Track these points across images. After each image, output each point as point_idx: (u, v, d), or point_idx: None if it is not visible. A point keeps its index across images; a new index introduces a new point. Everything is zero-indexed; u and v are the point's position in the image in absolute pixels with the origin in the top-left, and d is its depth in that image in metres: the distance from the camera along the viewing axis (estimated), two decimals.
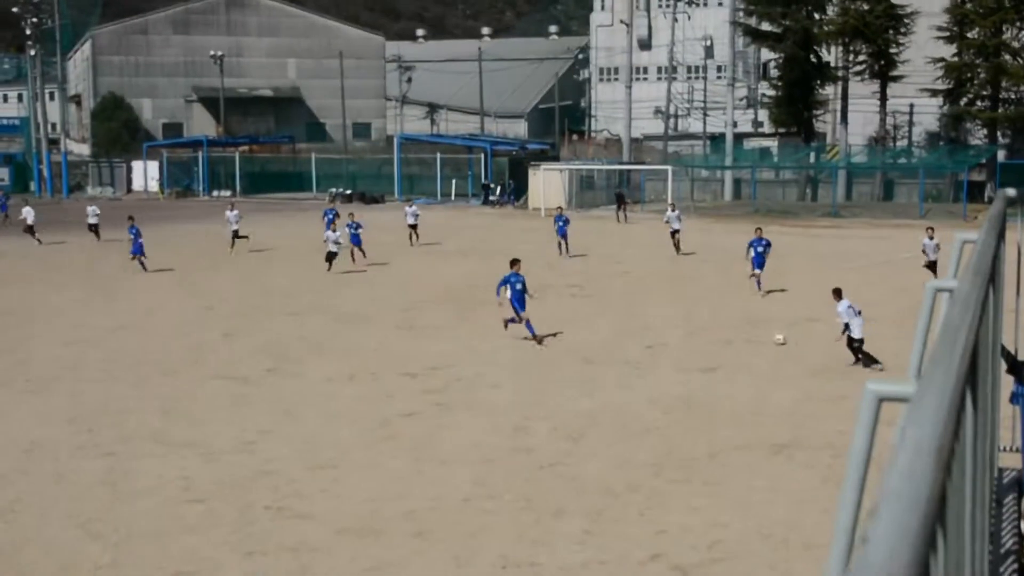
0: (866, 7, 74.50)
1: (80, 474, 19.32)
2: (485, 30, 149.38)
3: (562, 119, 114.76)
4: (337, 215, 47.01)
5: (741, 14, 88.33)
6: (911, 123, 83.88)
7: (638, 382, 24.89)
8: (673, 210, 49.78)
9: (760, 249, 35.20)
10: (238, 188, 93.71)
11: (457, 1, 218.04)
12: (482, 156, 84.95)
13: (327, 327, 32.11)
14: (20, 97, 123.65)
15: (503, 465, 18.85)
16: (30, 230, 53.77)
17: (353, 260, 44.06)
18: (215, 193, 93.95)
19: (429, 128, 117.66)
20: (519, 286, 28.64)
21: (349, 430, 21.53)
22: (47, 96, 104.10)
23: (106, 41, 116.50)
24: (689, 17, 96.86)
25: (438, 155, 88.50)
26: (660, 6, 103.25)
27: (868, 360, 24.81)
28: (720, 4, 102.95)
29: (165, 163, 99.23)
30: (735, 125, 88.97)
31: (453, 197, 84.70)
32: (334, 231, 41.68)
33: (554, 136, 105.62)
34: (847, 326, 25.23)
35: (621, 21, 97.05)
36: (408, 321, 32.49)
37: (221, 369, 27.00)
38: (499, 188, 79.43)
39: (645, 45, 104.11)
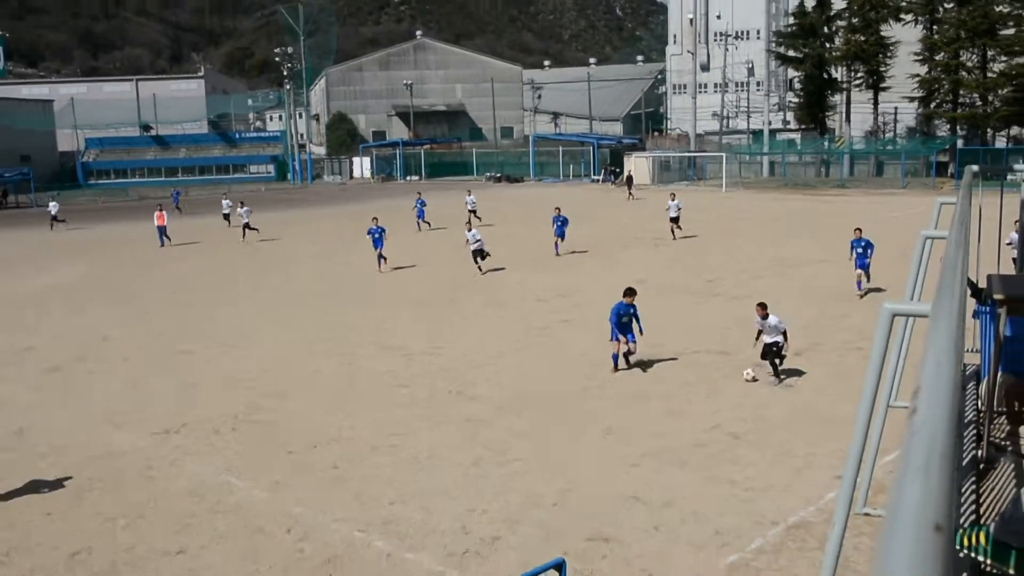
0: (863, 38, 74.52)
1: (326, 368, 19.74)
2: (592, 59, 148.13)
3: (647, 121, 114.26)
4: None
5: (774, 44, 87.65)
6: (895, 121, 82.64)
7: (701, 307, 24.65)
8: (673, 199, 39.73)
9: (860, 250, 24.86)
10: (423, 174, 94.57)
11: (572, 40, 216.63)
12: (590, 148, 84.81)
13: (487, 269, 32.23)
14: (280, 117, 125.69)
15: (607, 363, 18.81)
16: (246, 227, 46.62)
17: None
18: (408, 178, 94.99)
19: (553, 129, 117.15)
20: (625, 319, 18.12)
21: (502, 339, 21.66)
22: (297, 115, 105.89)
23: (335, 77, 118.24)
24: (736, 47, 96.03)
25: (560, 148, 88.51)
26: (715, 40, 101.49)
27: (776, 371, 17.28)
28: (759, 37, 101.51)
29: (374, 158, 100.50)
30: (770, 123, 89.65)
31: (571, 177, 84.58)
32: (468, 230, 32.30)
33: (641, 133, 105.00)
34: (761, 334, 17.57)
35: (688, 51, 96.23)
36: (541, 264, 32.46)
37: (413, 298, 27.30)
38: (603, 171, 79.03)
39: (705, 68, 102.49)
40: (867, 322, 21.28)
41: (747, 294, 25.43)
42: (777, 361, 17.40)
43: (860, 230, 25.30)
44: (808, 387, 16.90)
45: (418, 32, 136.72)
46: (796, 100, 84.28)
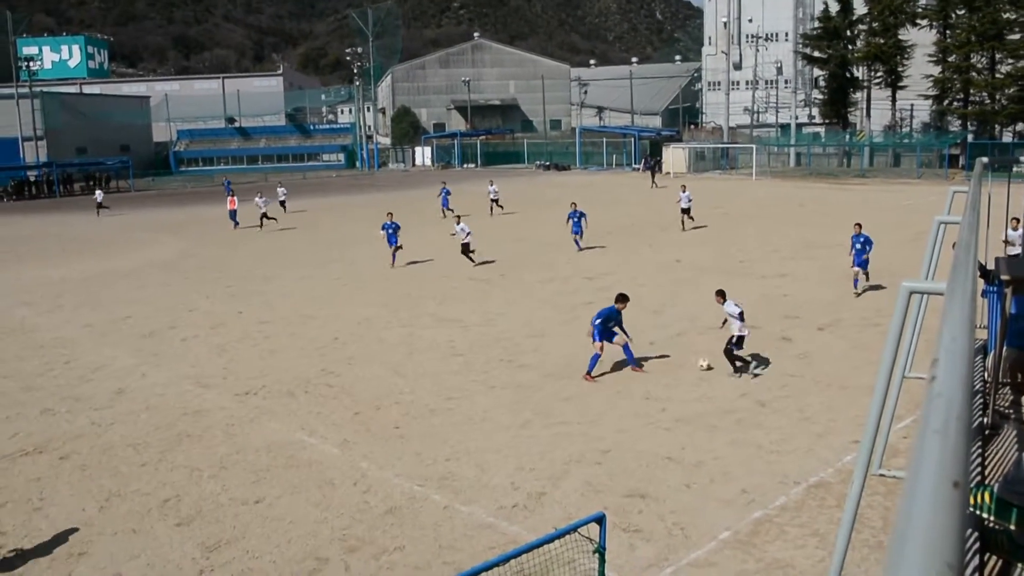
0: (882, 41, 73.14)
1: (390, 338, 19.84)
2: (634, 59, 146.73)
3: (683, 115, 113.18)
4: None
5: (800, 46, 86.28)
6: (912, 116, 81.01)
7: (733, 285, 24.34)
8: (684, 191, 36.64)
9: (858, 246, 22.12)
10: (479, 162, 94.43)
11: (616, 40, 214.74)
12: (632, 140, 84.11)
13: (535, 249, 32.16)
14: (350, 110, 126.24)
15: (647, 335, 18.71)
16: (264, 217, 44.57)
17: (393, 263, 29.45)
18: (465, 165, 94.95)
19: (598, 122, 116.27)
20: (611, 324, 16.22)
21: (550, 312, 21.62)
22: (365, 109, 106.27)
23: (400, 74, 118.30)
24: (766, 48, 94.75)
25: (604, 140, 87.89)
26: (747, 41, 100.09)
27: (741, 365, 15.79)
28: (787, 39, 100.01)
29: (434, 148, 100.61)
30: (796, 118, 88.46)
31: (614, 166, 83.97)
32: (457, 223, 29.09)
33: (679, 126, 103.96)
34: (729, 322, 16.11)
35: (722, 51, 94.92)
36: (587, 244, 32.32)
37: (472, 274, 27.32)
38: (643, 160, 78.44)
39: (737, 67, 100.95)
40: (884, 301, 20.96)
41: (778, 273, 25.17)
42: (735, 353, 15.65)
43: (860, 225, 22.40)
44: (829, 359, 16.67)
45: (476, 34, 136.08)
46: (821, 97, 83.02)
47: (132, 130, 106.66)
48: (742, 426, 13.18)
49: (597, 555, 7.49)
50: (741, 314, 15.70)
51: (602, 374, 16.09)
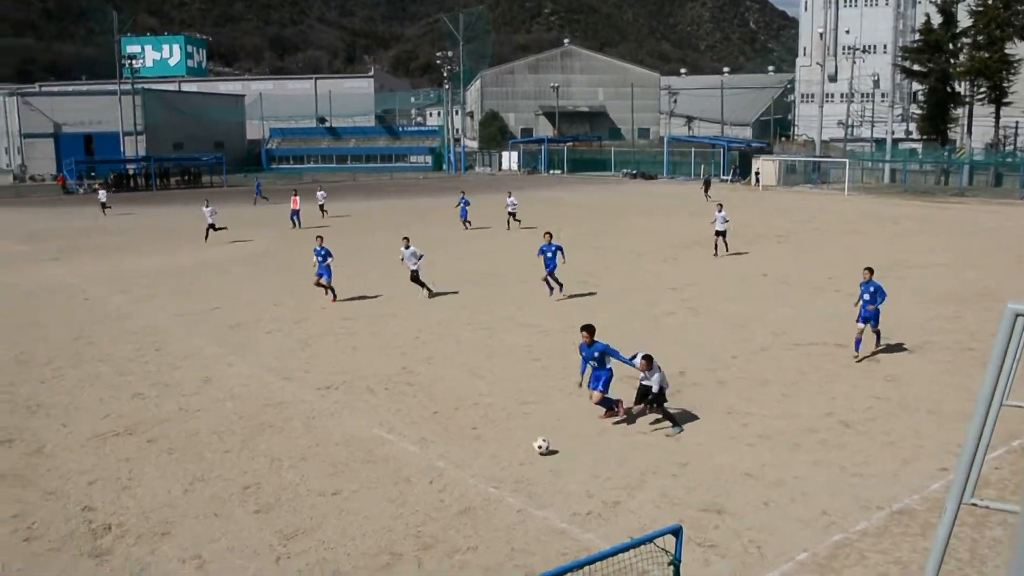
0: (987, 55, 70.68)
1: (469, 340, 19.96)
2: (726, 68, 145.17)
3: (775, 127, 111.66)
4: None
5: (900, 59, 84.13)
6: (1016, 134, 78.38)
7: (820, 301, 23.90)
8: (720, 210, 32.43)
9: (867, 296, 17.79)
10: (565, 168, 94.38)
11: (707, 50, 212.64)
12: (721, 150, 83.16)
13: (618, 258, 32.01)
14: (439, 113, 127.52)
15: (730, 350, 18.49)
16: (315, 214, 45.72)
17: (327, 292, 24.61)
18: (551, 171, 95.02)
19: (687, 131, 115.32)
20: (592, 362, 13.98)
21: (632, 321, 21.49)
22: (454, 112, 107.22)
23: (489, 79, 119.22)
24: (863, 60, 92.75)
25: (692, 150, 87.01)
26: (844, 53, 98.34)
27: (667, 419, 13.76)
28: (885, 51, 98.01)
29: (521, 153, 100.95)
30: (893, 132, 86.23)
31: (701, 176, 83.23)
32: (406, 246, 24.88)
33: (769, 138, 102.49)
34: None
35: (817, 63, 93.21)
36: (671, 256, 32.05)
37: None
38: (731, 171, 77.56)
39: (832, 79, 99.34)
40: (977, 324, 20.33)
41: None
42: (653, 405, 13.71)
43: (871, 271, 18.24)
44: (918, 382, 16.22)
45: (566, 40, 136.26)
46: (919, 112, 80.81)
47: (227, 127, 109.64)
48: (825, 446, 12.92)
49: (672, 568, 7.42)
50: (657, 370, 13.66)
51: (677, 391, 15.93)
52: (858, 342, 17.72)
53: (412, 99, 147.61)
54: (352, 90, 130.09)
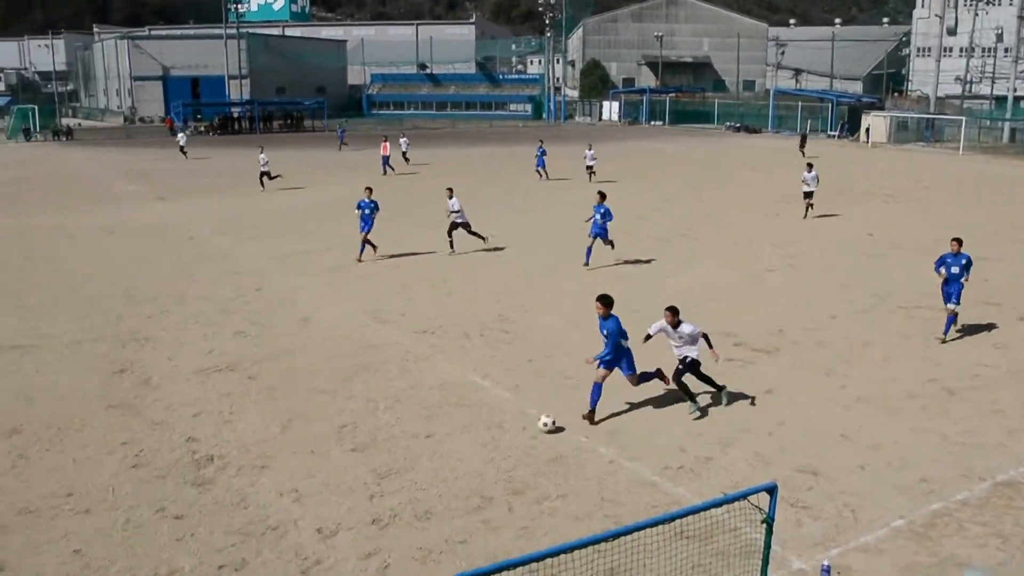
0: None
1: (566, 289, 19.95)
2: (838, 20, 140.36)
3: (887, 81, 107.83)
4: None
5: None
6: None
7: (928, 264, 23.10)
8: (810, 170, 29.93)
9: (955, 270, 15.85)
10: (667, 120, 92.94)
11: (819, 0, 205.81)
12: (829, 105, 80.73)
13: (720, 212, 31.50)
14: (539, 61, 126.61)
15: (832, 309, 18.11)
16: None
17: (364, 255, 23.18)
18: (653, 123, 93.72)
19: (794, 84, 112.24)
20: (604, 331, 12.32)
21: (731, 275, 21.21)
22: (555, 60, 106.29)
23: (592, 27, 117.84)
24: (986, 12, 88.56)
25: (799, 103, 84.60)
26: (965, 4, 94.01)
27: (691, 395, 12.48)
28: (1011, 3, 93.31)
29: (622, 103, 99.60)
30: (1015, 90, 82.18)
31: (807, 131, 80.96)
32: (450, 196, 23.61)
33: (881, 93, 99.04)
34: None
35: (935, 15, 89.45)
36: (773, 211, 31.37)
37: (650, 231, 27.06)
38: (840, 126, 75.24)
39: (951, 32, 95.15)
40: None
41: (979, 256, 23.70)
42: (694, 380, 12.49)
43: (959, 242, 16.14)
44: None
45: None
46: None
47: (328, 72, 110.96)
48: (927, 413, 12.60)
49: (765, 526, 7.37)
50: (705, 337, 12.51)
51: (775, 349, 15.69)
52: (949, 322, 15.96)
53: (513, 47, 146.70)
54: (453, 37, 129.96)
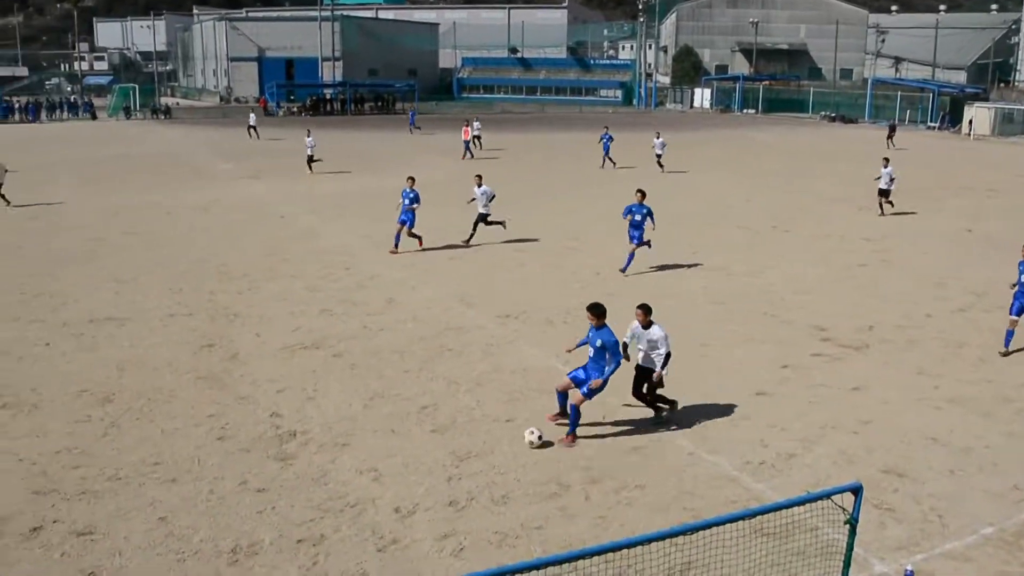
0: None
1: (648, 279, 19.81)
2: (942, 6, 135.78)
3: (993, 71, 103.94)
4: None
5: None
6: None
7: None
8: (886, 166, 28.27)
9: None
10: (760, 108, 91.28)
11: None
12: (930, 95, 78.26)
13: (811, 203, 30.83)
14: (631, 47, 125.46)
15: (925, 306, 17.61)
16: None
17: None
18: (745, 111, 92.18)
19: (893, 73, 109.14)
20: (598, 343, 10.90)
21: (821, 270, 20.78)
22: (647, 46, 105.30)
23: (685, 12, 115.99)
24: None
25: (898, 93, 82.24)
26: None
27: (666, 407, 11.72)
28: None
29: (715, 90, 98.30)
30: None
31: (906, 122, 78.68)
32: (478, 185, 22.88)
33: (986, 83, 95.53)
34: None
35: None
36: (867, 204, 30.53)
37: (739, 222, 26.65)
38: (940, 117, 72.92)
39: None
40: None
41: None
42: (651, 395, 11.51)
43: None
44: None
45: None
46: None
47: (420, 55, 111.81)
48: (1022, 417, 12.16)
49: (848, 526, 7.21)
50: (663, 340, 11.32)
51: (865, 345, 15.31)
52: (1009, 335, 14.82)
53: (605, 32, 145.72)
54: (545, 21, 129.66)
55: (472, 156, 43.99)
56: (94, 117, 76.92)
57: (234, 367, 13.75)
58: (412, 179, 22.53)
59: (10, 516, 9.16)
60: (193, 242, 23.44)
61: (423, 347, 14.72)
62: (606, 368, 10.78)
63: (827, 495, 6.94)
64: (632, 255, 20.02)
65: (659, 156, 39.19)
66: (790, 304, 17.66)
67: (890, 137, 53.17)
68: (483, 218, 22.87)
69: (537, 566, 5.99)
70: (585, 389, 10.87)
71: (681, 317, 16.64)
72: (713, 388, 12.88)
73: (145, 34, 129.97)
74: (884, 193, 28.35)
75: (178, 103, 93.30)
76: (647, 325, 11.27)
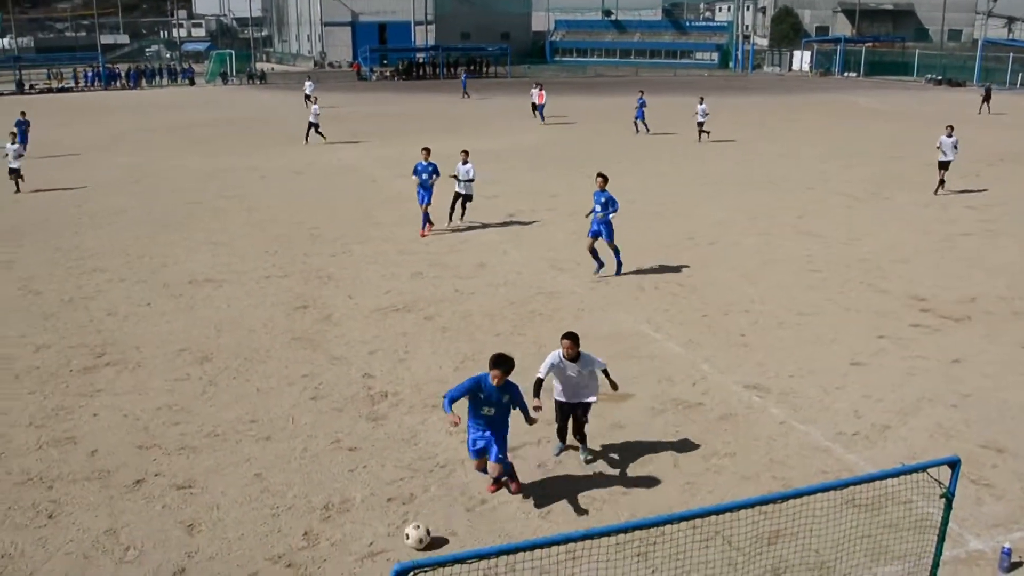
0: None
1: (744, 244, 19.55)
2: None
3: None
4: None
5: None
6: None
7: None
8: (950, 134, 25.35)
9: None
10: (861, 71, 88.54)
11: None
12: None
13: (914, 171, 29.88)
14: (728, 8, 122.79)
15: None
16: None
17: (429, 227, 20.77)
18: (846, 74, 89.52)
19: (1006, 34, 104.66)
20: (483, 408, 8.76)
21: (921, 238, 20.20)
22: (745, 8, 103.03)
23: None
24: None
25: (1010, 55, 78.83)
26: None
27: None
28: None
29: (814, 53, 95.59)
30: None
31: (1018, 85, 75.42)
32: (464, 162, 20.62)
33: None
34: None
35: None
36: (972, 171, 29.39)
37: (837, 188, 26.01)
38: None
39: None
40: None
41: None
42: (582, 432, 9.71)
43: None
44: None
45: None
46: None
47: (513, 19, 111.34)
48: None
49: (944, 500, 7.08)
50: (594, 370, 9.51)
51: (966, 317, 14.84)
52: None
53: None
54: None
55: (543, 120, 43.90)
56: (192, 83, 78.87)
57: (328, 328, 14.09)
58: (427, 150, 20.83)
59: (115, 469, 9.61)
60: (287, 205, 23.96)
61: (514, 311, 14.84)
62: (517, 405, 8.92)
63: (923, 468, 6.82)
64: (593, 251, 16.88)
65: (701, 124, 36.64)
66: (888, 273, 17.24)
67: (986, 101, 50.58)
68: (464, 199, 20.86)
69: (624, 529, 6.06)
70: (498, 451, 8.78)
71: (777, 284, 16.44)
72: (808, 357, 12.70)
73: (241, 0, 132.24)
74: (944, 166, 25.35)
75: (273, 68, 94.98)
76: (575, 357, 9.28)
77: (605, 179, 16.73)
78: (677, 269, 17.42)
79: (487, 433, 8.79)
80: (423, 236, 20.40)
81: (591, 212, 16.89)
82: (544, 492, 9.09)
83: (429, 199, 20.45)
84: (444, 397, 8.73)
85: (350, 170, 29.67)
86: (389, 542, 8.26)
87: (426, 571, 5.29)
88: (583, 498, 8.97)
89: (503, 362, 8.69)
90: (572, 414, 9.61)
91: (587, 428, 9.78)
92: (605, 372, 9.54)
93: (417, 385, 11.78)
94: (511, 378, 8.79)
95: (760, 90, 63.74)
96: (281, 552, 8.01)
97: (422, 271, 17.35)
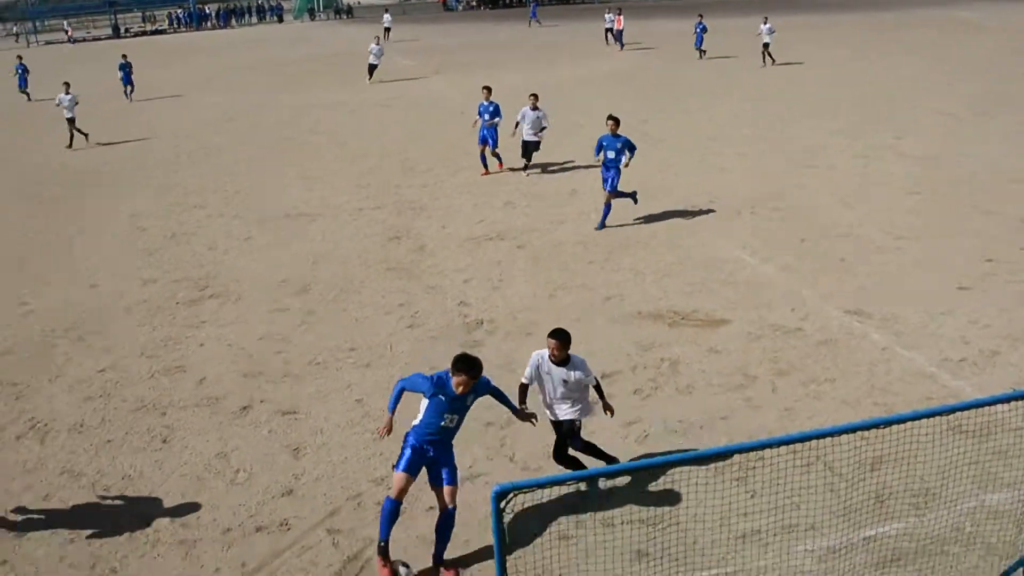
0: None
1: (843, 166, 19.03)
2: None
3: None
4: None
5: None
6: None
7: None
8: None
9: None
10: None
11: None
12: None
13: (1019, 88, 28.54)
14: None
15: None
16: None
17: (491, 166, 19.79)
18: None
19: None
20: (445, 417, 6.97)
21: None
22: None
23: None
24: None
25: None
26: None
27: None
28: None
29: None
30: None
31: None
32: (534, 107, 18.86)
33: None
34: None
35: None
36: None
37: (939, 107, 24.97)
38: None
39: None
40: None
41: None
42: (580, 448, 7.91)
43: None
44: None
45: None
46: None
47: None
48: None
49: None
50: (586, 382, 7.70)
51: (1010, 276, 14.18)
52: None
53: None
54: None
55: (622, 47, 42.95)
56: (281, 20, 79.51)
57: (421, 258, 14.24)
58: (488, 89, 19.66)
59: (224, 396, 9.97)
60: (377, 139, 24.12)
61: (607, 239, 14.76)
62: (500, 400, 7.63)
63: None
64: (608, 207, 15.42)
65: (767, 45, 34.22)
66: (996, 195, 16.56)
67: None
68: (534, 146, 19.31)
69: (723, 453, 6.04)
70: (451, 478, 6.99)
71: (877, 207, 15.98)
72: (911, 282, 12.37)
73: None
74: None
75: (359, 2, 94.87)
76: (563, 361, 7.64)
77: (617, 122, 15.22)
78: (774, 193, 17.05)
79: (439, 448, 6.97)
80: (484, 176, 19.33)
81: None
82: (641, 417, 9.11)
83: (495, 143, 19.29)
84: (394, 388, 7.34)
85: (438, 102, 29.66)
86: (488, 465, 8.41)
87: (524, 492, 5.36)
88: (679, 423, 8.96)
89: (471, 366, 6.96)
90: (557, 432, 7.88)
91: (577, 453, 7.88)
92: (598, 389, 7.85)
93: (512, 312, 11.86)
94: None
95: (858, 6, 61.15)
96: (383, 475, 8.21)
97: (513, 200, 17.33)
